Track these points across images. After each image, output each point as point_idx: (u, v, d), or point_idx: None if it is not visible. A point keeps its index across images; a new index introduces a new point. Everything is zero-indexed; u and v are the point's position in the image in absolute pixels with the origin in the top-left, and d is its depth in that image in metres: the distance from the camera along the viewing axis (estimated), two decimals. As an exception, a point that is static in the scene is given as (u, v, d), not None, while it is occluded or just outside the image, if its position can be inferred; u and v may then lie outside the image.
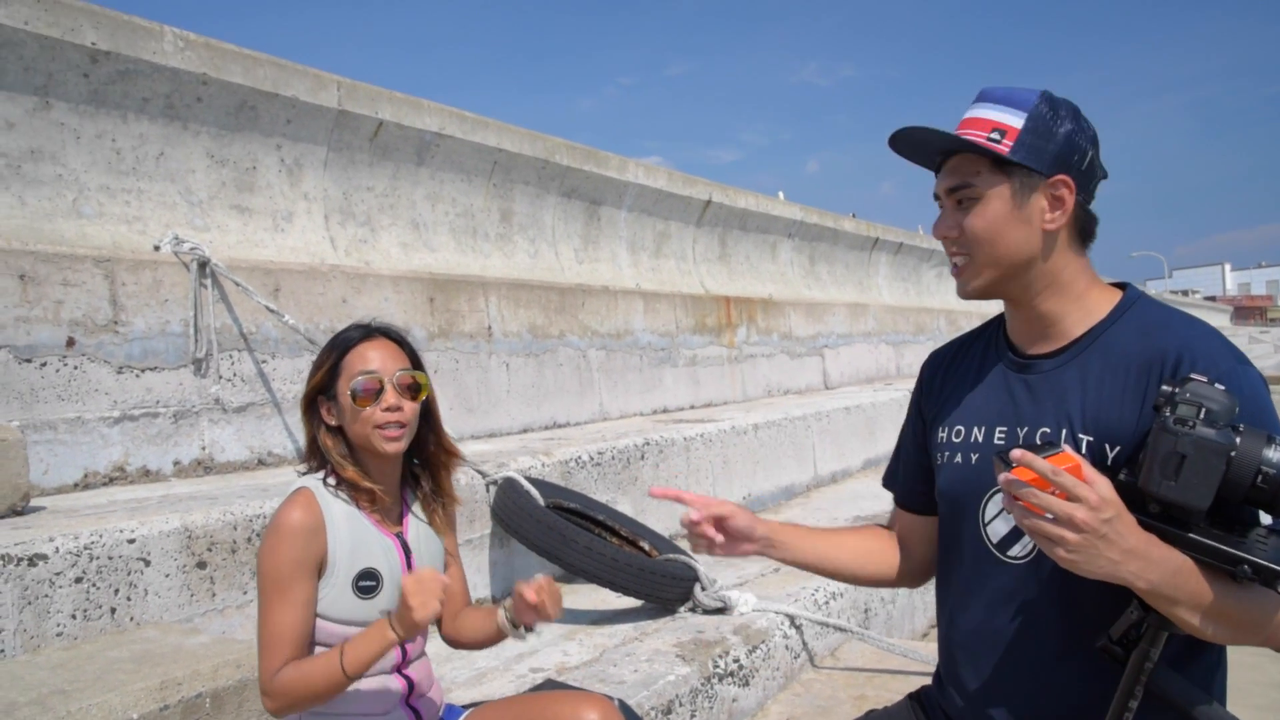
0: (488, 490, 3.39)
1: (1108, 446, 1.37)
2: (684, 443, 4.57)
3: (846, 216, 9.79)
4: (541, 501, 3.22)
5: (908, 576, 1.75)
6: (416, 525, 1.81)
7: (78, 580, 2.16)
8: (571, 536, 3.10)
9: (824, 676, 3.26)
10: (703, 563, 3.39)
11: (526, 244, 5.46)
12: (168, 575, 2.33)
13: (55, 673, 1.86)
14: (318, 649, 1.67)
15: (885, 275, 10.73)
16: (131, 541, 2.27)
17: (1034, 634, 1.44)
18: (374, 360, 1.71)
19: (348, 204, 4.34)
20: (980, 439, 1.52)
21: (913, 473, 1.72)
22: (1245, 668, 3.46)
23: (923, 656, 3.21)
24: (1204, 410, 1.19)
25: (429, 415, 1.81)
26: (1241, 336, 32.73)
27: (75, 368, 3.03)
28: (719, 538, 1.60)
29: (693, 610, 3.22)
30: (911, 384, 1.81)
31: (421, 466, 1.85)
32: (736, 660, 2.89)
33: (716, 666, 2.80)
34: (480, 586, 3.37)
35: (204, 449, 3.36)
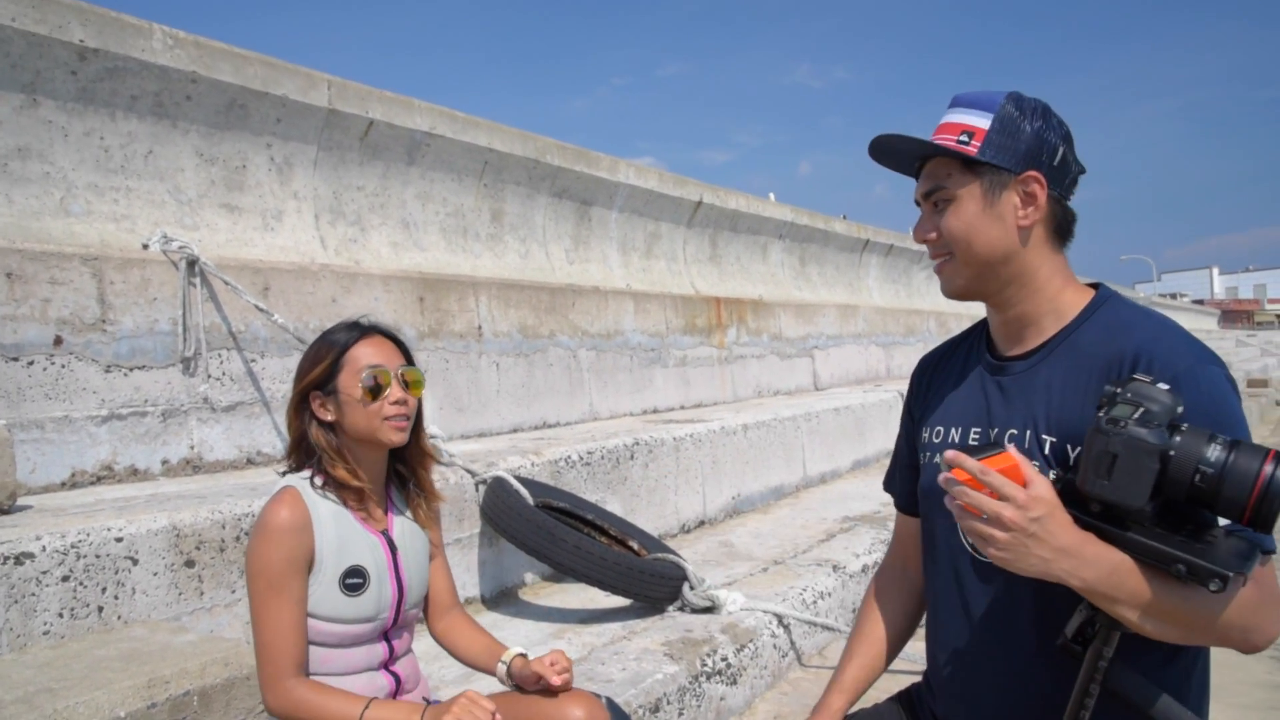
0: (477, 490, 3.39)
1: (1069, 447, 1.39)
2: (674, 443, 4.58)
3: (837, 218, 9.81)
4: (531, 501, 3.23)
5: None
6: (401, 522, 1.82)
7: (65, 579, 2.15)
8: (560, 535, 3.11)
9: (812, 675, 3.27)
10: (691, 562, 3.40)
11: (517, 244, 5.46)
12: (155, 574, 2.33)
13: (42, 671, 1.86)
14: (313, 649, 1.68)
15: (876, 277, 10.76)
16: (119, 540, 2.27)
17: (1010, 632, 1.46)
18: (378, 356, 1.76)
19: (338, 203, 4.34)
20: (956, 439, 1.55)
21: (908, 475, 1.74)
22: (1230, 667, 3.48)
23: (910, 656, 3.20)
24: (1142, 410, 1.20)
25: (416, 413, 1.83)
26: (1229, 340, 32.93)
27: (63, 366, 3.02)
28: None
29: (681, 609, 3.23)
30: (902, 385, 1.84)
31: (404, 464, 1.86)
32: (724, 659, 2.90)
33: (704, 665, 2.81)
34: (470, 586, 3.37)
35: (193, 448, 3.35)
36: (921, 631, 1.73)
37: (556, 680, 1.76)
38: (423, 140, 4.64)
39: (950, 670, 1.55)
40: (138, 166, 3.55)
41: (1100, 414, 1.22)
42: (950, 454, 1.24)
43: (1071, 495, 1.25)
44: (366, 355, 1.75)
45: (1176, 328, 1.43)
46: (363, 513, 1.76)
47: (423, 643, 2.59)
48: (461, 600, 3.24)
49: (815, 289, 9.20)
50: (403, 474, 1.87)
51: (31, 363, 2.94)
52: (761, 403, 6.86)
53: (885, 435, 6.71)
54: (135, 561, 2.29)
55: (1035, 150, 1.44)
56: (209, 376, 3.43)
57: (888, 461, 1.84)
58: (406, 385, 1.77)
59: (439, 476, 3.30)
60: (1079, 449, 1.36)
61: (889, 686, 1.85)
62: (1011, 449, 1.28)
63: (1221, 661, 3.79)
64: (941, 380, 1.66)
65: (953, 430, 1.56)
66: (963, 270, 1.49)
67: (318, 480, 1.73)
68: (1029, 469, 1.24)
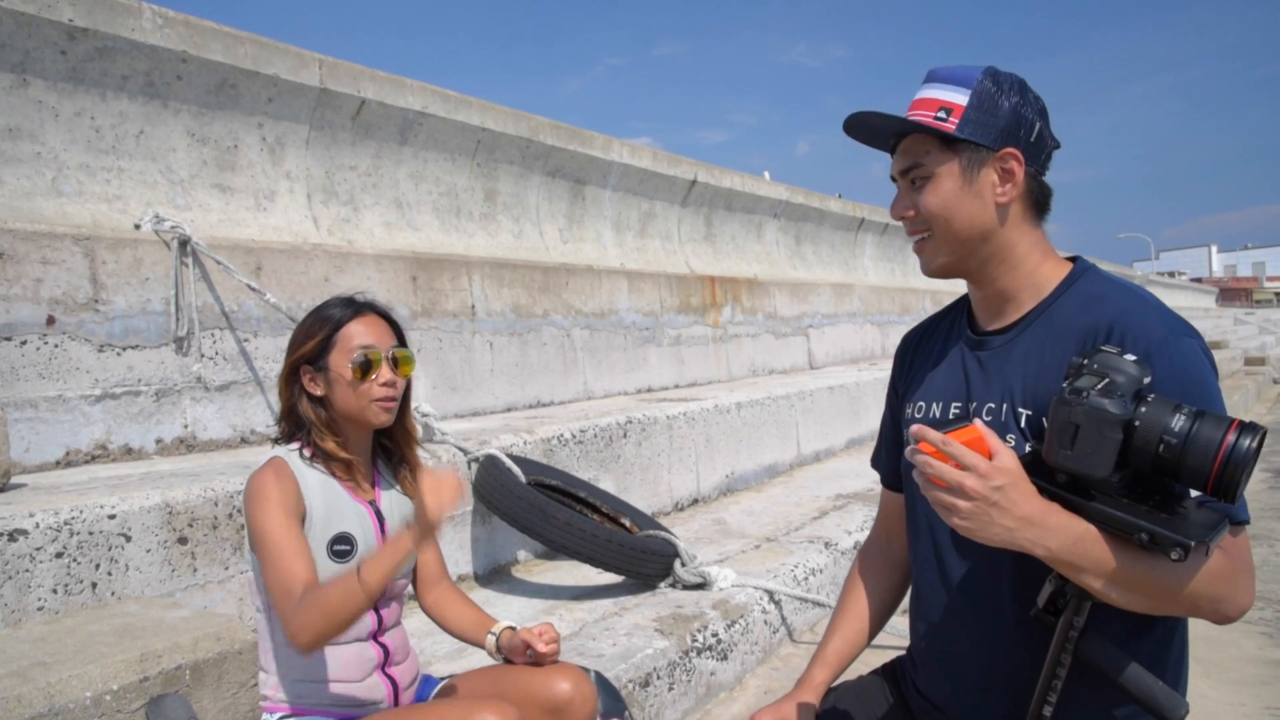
0: (469, 468, 3.41)
1: (1044, 419, 1.38)
2: (667, 421, 4.60)
3: (833, 197, 9.80)
4: (523, 478, 3.25)
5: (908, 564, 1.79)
6: (389, 495, 1.85)
7: (58, 555, 2.17)
8: (552, 513, 3.13)
9: (803, 651, 3.31)
10: (684, 540, 3.43)
11: (511, 223, 5.46)
12: (149, 550, 2.35)
13: (36, 646, 1.89)
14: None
15: (871, 256, 10.76)
16: (112, 517, 2.29)
17: (988, 604, 1.48)
18: (370, 335, 1.78)
19: (330, 183, 4.34)
20: (937, 414, 1.56)
21: (893, 452, 1.76)
22: (1223, 643, 3.51)
23: (900, 631, 3.23)
24: (1106, 380, 1.21)
25: (404, 391, 1.85)
26: (1226, 318, 32.94)
27: (56, 346, 3.03)
28: None
29: (673, 586, 3.26)
30: (897, 365, 1.85)
31: (390, 440, 1.88)
32: (715, 634, 2.93)
33: (695, 640, 2.84)
34: (462, 563, 3.40)
35: (186, 427, 3.37)
36: (905, 605, 1.75)
37: (543, 648, 1.79)
38: (415, 120, 4.64)
39: (931, 642, 1.58)
40: (129, 147, 3.55)
41: (1065, 384, 1.24)
42: (916, 428, 1.26)
43: (1039, 466, 1.27)
44: (359, 334, 1.76)
45: (1153, 299, 1.44)
46: (351, 483, 1.79)
47: (415, 620, 2.62)
48: (454, 577, 3.28)
49: (810, 268, 9.20)
50: (388, 448, 1.89)
51: (24, 342, 2.96)
52: (756, 382, 6.88)
53: (879, 414, 6.68)
54: (128, 538, 2.31)
55: (1013, 127, 1.44)
56: (202, 356, 3.44)
57: (882, 442, 1.85)
58: (396, 365, 1.79)
59: (431, 454, 3.32)
60: None
61: (873, 660, 1.88)
62: (977, 422, 1.29)
63: (1214, 638, 3.84)
64: (924, 356, 1.67)
65: (933, 405, 1.58)
66: (942, 248, 1.50)
67: (306, 451, 1.75)
68: (994, 440, 1.26)
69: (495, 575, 3.52)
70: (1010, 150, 1.44)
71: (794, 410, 5.90)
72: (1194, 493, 1.27)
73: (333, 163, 4.34)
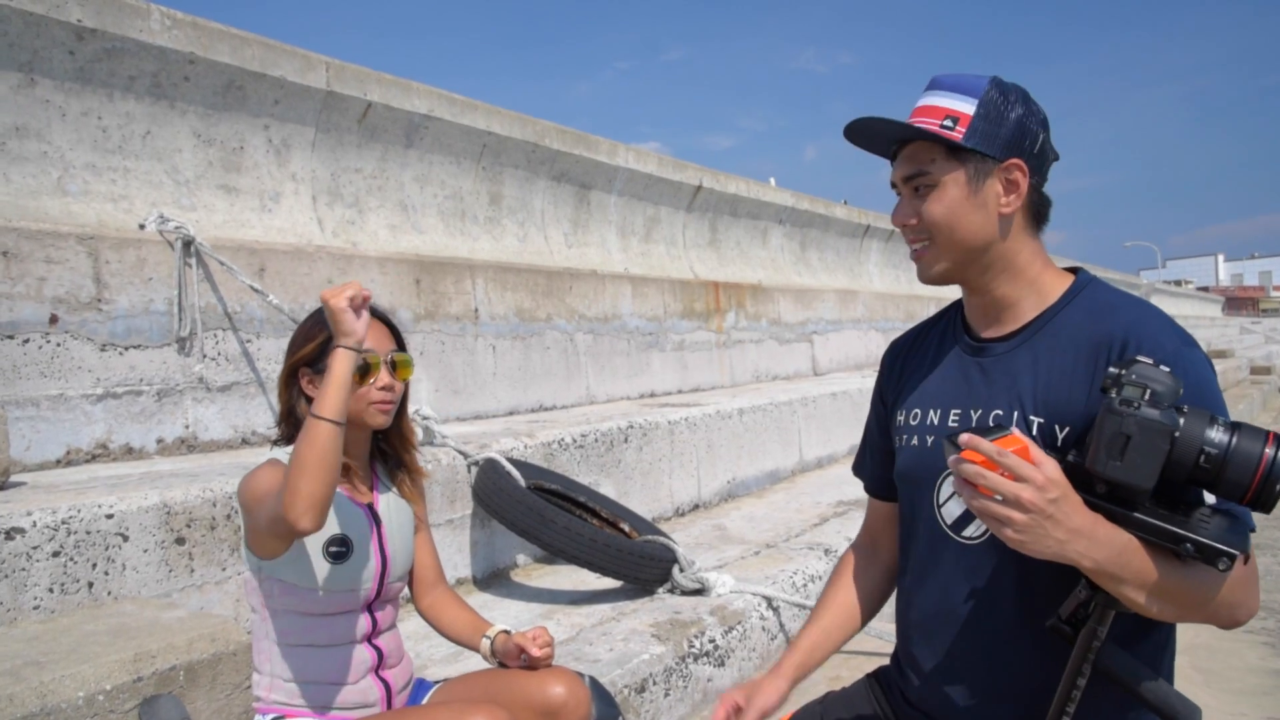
0: (469, 471, 3.41)
1: (1057, 428, 1.40)
2: (668, 426, 4.60)
3: (838, 203, 9.79)
4: (522, 482, 3.25)
5: (893, 571, 1.77)
6: (387, 497, 1.85)
7: (55, 554, 2.18)
8: (551, 517, 3.13)
9: (800, 658, 3.30)
10: (684, 545, 3.43)
11: (515, 227, 5.47)
12: (146, 551, 2.36)
13: (30, 645, 1.89)
14: (298, 618, 1.71)
15: (876, 262, 10.75)
16: (110, 517, 2.29)
17: (989, 614, 1.47)
18: (370, 339, 1.77)
19: (336, 185, 4.35)
20: (935, 421, 1.55)
21: (879, 460, 1.75)
22: (1224, 653, 3.50)
23: (885, 635, 3.25)
24: (1149, 391, 1.21)
25: (403, 395, 1.85)
26: (1233, 327, 32.83)
27: (58, 345, 3.04)
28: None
29: (671, 591, 3.26)
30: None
31: (388, 443, 1.89)
32: (712, 640, 2.93)
33: (692, 646, 2.83)
34: (461, 566, 3.40)
35: (187, 427, 3.38)
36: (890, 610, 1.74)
37: (537, 652, 1.79)
38: (421, 123, 4.65)
39: (925, 653, 1.56)
40: (135, 147, 3.56)
41: (1112, 395, 1.23)
42: (965, 436, 1.23)
43: (1075, 476, 1.26)
44: None
45: (1158, 311, 1.45)
46: (348, 486, 1.79)
47: (412, 623, 2.62)
48: (453, 581, 3.30)
49: (815, 274, 9.20)
50: (386, 451, 1.89)
51: (27, 340, 2.97)
52: (759, 387, 6.87)
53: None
54: (126, 538, 2.32)
55: (1018, 138, 1.45)
56: (204, 356, 3.45)
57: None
58: (395, 369, 1.79)
59: (431, 458, 3.32)
60: (1066, 429, 1.39)
61: (865, 666, 1.87)
62: (1017, 431, 1.28)
63: (1215, 647, 3.81)
64: (916, 363, 1.66)
65: (931, 412, 1.57)
66: (942, 256, 1.50)
67: None
68: (1038, 451, 1.24)
69: (494, 579, 3.52)
70: (1015, 161, 1.44)
71: (796, 416, 5.89)
72: (1209, 500, 1.28)
73: (338, 165, 4.35)
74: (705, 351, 6.76)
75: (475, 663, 2.57)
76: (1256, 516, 1.29)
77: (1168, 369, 1.25)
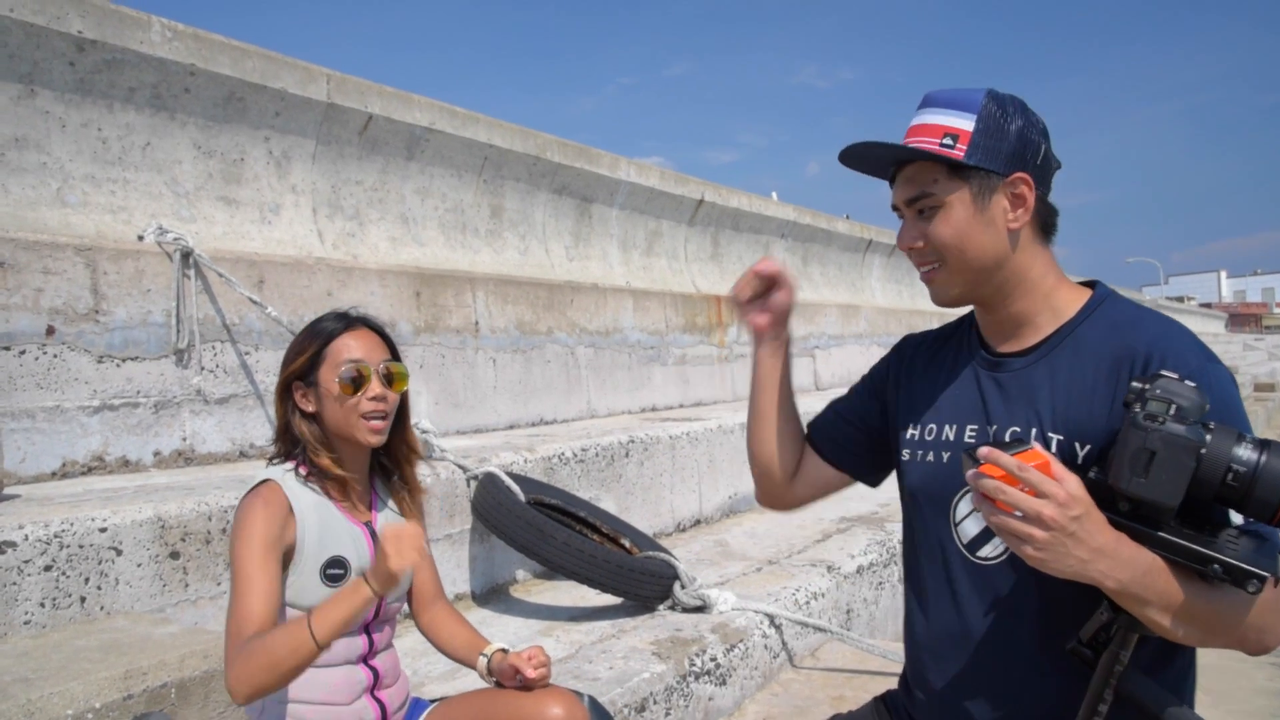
0: (469, 485, 3.38)
1: (1078, 445, 1.36)
2: (670, 441, 4.56)
3: (840, 218, 9.78)
4: (522, 497, 3.22)
5: (777, 491, 1.76)
6: (385, 515, 1.81)
7: (47, 568, 2.15)
8: (550, 532, 3.09)
9: (803, 677, 3.26)
10: (685, 561, 3.39)
11: (517, 240, 5.45)
12: (140, 565, 2.32)
13: (20, 661, 1.86)
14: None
15: (879, 277, 10.73)
16: (103, 530, 2.26)
17: (1006, 636, 1.43)
18: (360, 349, 1.74)
19: (336, 197, 4.33)
20: (951, 437, 1.51)
21: (845, 430, 1.72)
22: (1232, 673, 3.46)
23: (902, 658, 3.21)
24: (1174, 407, 1.18)
25: (400, 408, 1.81)
26: (1236, 343, 32.79)
27: (55, 356, 3.02)
28: (763, 314, 1.69)
29: (672, 608, 3.22)
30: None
31: (388, 458, 1.85)
32: (714, 659, 2.89)
33: (693, 665, 2.79)
34: (460, 581, 3.36)
35: (185, 440, 3.35)
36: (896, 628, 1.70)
37: (532, 674, 1.75)
38: (422, 135, 4.63)
39: (936, 675, 1.51)
40: (135, 158, 3.55)
41: (1135, 410, 1.20)
42: (985, 450, 1.20)
43: (1098, 494, 1.22)
44: (349, 348, 1.73)
45: (1181, 326, 1.42)
46: (346, 504, 1.75)
47: (410, 639, 2.58)
48: (451, 597, 3.26)
49: (817, 289, 9.18)
50: (386, 466, 1.86)
51: (23, 352, 2.94)
52: (761, 402, 6.83)
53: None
54: (119, 552, 2.29)
55: (1020, 150, 1.41)
56: (202, 369, 3.42)
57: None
58: (390, 381, 1.75)
59: (429, 472, 3.29)
60: (1087, 446, 1.35)
61: (881, 689, 1.82)
62: (1038, 446, 1.24)
63: (1223, 667, 3.77)
64: (931, 374, 1.61)
65: (946, 428, 1.52)
66: (955, 278, 1.46)
67: (301, 470, 1.72)
68: (1060, 466, 1.21)
69: (493, 594, 3.48)
70: (1020, 175, 1.41)
71: (799, 431, 5.85)
72: (1237, 519, 1.24)
73: (339, 177, 4.34)
74: (707, 365, 6.73)
75: (473, 680, 2.52)
76: None
77: (1193, 384, 1.21)
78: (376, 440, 1.74)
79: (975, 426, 1.48)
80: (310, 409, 1.73)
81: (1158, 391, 1.20)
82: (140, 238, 3.37)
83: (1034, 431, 1.40)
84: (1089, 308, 1.45)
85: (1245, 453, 1.16)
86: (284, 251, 3.94)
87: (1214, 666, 3.48)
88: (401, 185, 4.66)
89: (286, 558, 1.65)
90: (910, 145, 1.44)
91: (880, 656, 3.29)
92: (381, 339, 1.80)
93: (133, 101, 3.50)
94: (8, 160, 3.17)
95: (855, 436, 1.71)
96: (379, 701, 1.75)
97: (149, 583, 2.34)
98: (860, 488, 1.85)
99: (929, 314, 11.29)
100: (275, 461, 1.77)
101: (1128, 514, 1.22)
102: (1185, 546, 1.19)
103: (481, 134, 4.96)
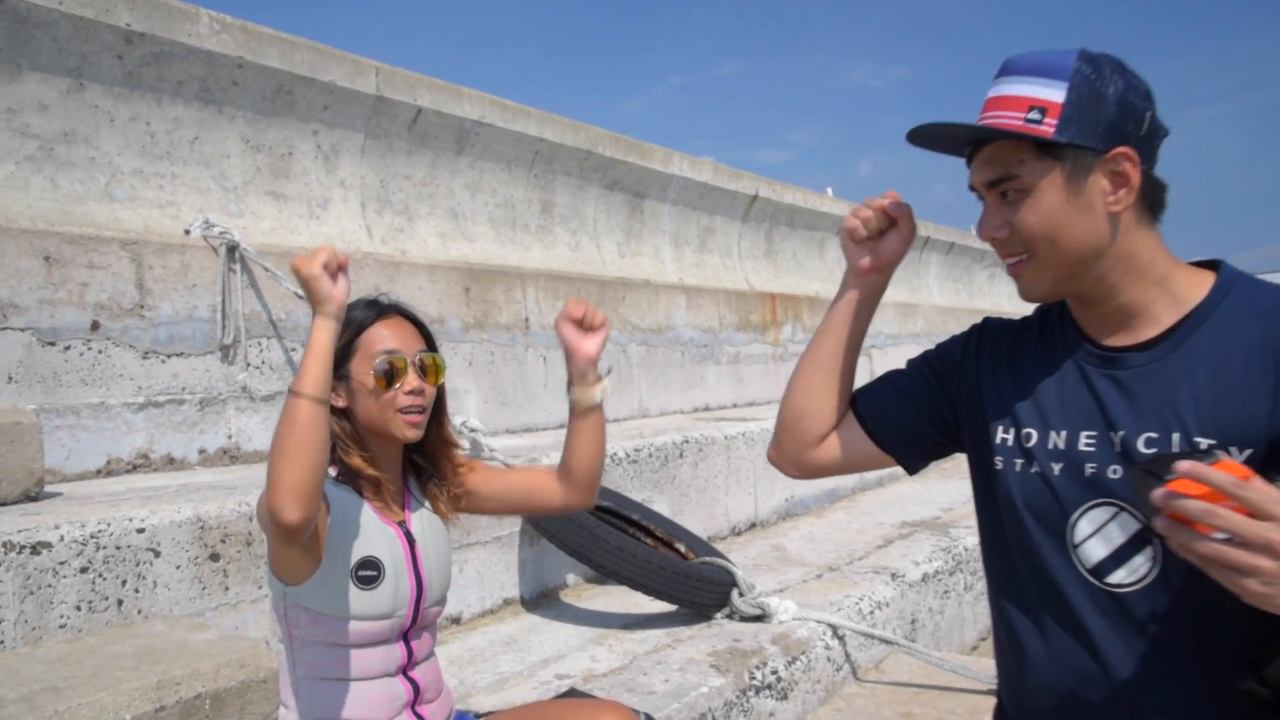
0: (518, 486, 3.26)
1: (1235, 450, 1.17)
2: (725, 441, 4.42)
3: (898, 214, 9.55)
4: (573, 499, 3.09)
5: (798, 450, 1.56)
6: (420, 515, 1.69)
7: (83, 570, 2.07)
8: (603, 536, 2.97)
9: (868, 691, 3.09)
10: (741, 567, 3.24)
11: (568, 236, 5.34)
12: (178, 567, 2.24)
13: (51, 667, 1.78)
14: (326, 650, 1.56)
15: (936, 275, 10.46)
16: (141, 531, 2.18)
17: (1153, 674, 1.24)
18: (395, 340, 1.61)
19: (385, 192, 4.26)
20: (1061, 445, 1.31)
21: (897, 401, 1.52)
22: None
23: (973, 673, 3.02)
24: None
25: (437, 402, 1.69)
26: None
27: (100, 352, 2.97)
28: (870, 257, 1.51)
29: (729, 617, 3.07)
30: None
31: (422, 455, 1.73)
32: (775, 672, 2.74)
33: (753, 678, 2.65)
34: (509, 585, 3.24)
35: (230, 437, 3.29)
36: (984, 645, 1.52)
37: (576, 312, 1.70)
38: (472, 129, 4.55)
39: (1060, 717, 1.32)
40: (183, 153, 3.50)
41: None
42: (1186, 465, 1.00)
43: None
44: (382, 338, 1.60)
45: None
46: (379, 503, 1.63)
47: (454, 646, 2.47)
48: (499, 600, 3.15)
49: (874, 287, 8.95)
50: (420, 465, 1.73)
51: (68, 348, 2.89)
52: (817, 403, 6.65)
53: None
54: (157, 554, 2.20)
55: (1121, 120, 1.22)
56: (248, 365, 3.36)
57: (948, 466, 1.60)
58: (425, 373, 1.63)
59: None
60: (1247, 451, 1.16)
61: (952, 706, 1.66)
62: (1230, 458, 1.06)
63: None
64: (1021, 366, 1.39)
65: (1053, 434, 1.32)
66: (1047, 272, 1.27)
67: (332, 470, 1.60)
68: (1264, 483, 1.01)
69: (542, 599, 3.37)
70: (1122, 150, 1.21)
71: (857, 433, 5.67)
72: None
73: (387, 171, 4.27)
74: (761, 364, 6.56)
75: (522, 692, 2.41)
76: None
77: None
78: (414, 435, 1.61)
79: (1093, 433, 1.28)
80: (342, 404, 1.61)
81: None
82: (187, 232, 3.32)
83: (1176, 437, 1.21)
84: (1219, 292, 1.26)
85: None
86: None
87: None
88: (451, 180, 4.58)
89: (316, 559, 1.53)
90: (989, 124, 1.25)
91: (949, 670, 3.11)
92: (416, 328, 1.66)
93: (181, 95, 3.45)
94: (56, 155, 3.13)
95: (908, 417, 1.50)
96: (420, 717, 1.63)
97: (188, 585, 2.26)
98: (921, 490, 1.67)
99: (989, 313, 10.99)
100: None
101: None
102: None
103: (532, 128, 4.86)
